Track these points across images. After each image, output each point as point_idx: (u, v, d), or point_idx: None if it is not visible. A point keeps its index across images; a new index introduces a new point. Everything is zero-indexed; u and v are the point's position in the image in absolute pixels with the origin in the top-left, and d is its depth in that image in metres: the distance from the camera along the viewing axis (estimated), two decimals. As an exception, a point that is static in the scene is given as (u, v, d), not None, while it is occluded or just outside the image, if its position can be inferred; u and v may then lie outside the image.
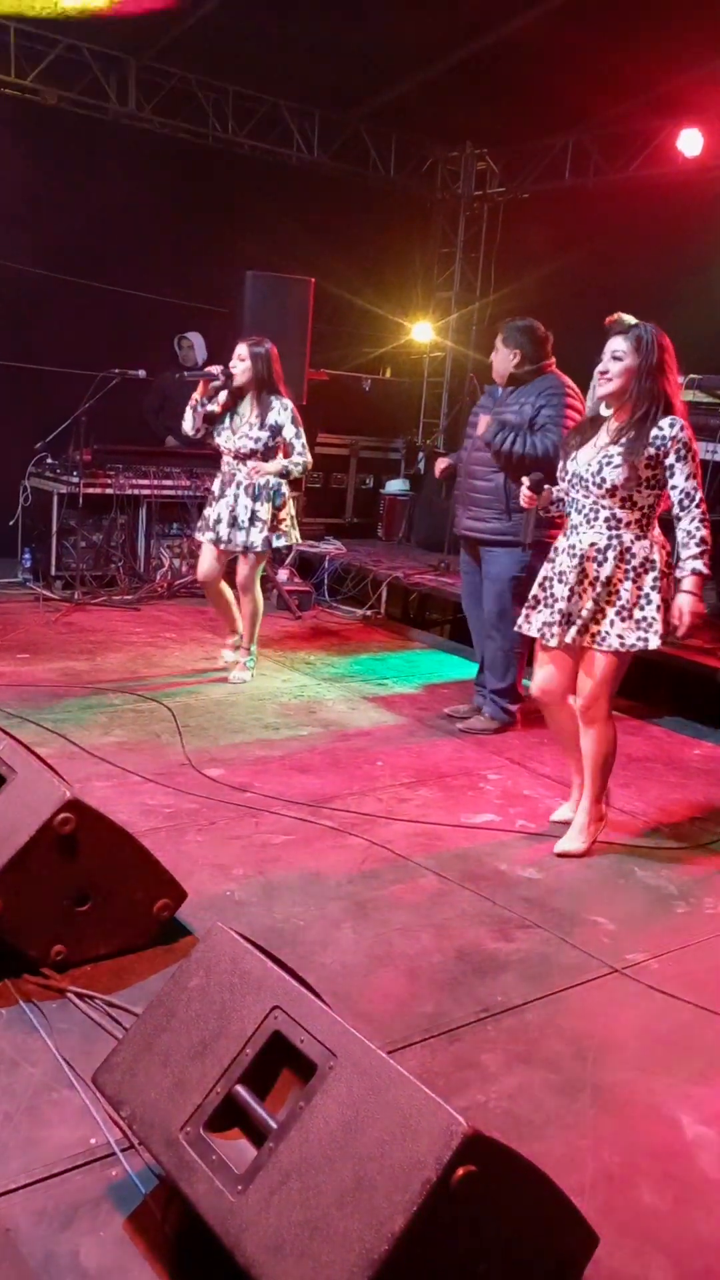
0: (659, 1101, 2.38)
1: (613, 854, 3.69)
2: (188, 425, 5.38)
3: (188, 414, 5.35)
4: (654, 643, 3.40)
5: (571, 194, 9.04)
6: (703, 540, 3.33)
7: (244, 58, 7.82)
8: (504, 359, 4.72)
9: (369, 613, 7.31)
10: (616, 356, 3.36)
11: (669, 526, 3.45)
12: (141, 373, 6.91)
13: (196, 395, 5.32)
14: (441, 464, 5.13)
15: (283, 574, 7.58)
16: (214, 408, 5.29)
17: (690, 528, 3.34)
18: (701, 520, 3.33)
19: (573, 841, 3.65)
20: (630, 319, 3.39)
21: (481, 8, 6.87)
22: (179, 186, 8.25)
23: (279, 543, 5.41)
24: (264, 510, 5.28)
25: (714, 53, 6.70)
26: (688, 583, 3.37)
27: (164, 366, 7.77)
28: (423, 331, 10.06)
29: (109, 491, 7.23)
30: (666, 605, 3.41)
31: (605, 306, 3.43)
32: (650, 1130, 2.28)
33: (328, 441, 9.18)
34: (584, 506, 3.46)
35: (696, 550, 3.34)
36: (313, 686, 5.52)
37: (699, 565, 3.34)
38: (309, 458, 5.39)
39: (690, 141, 7.82)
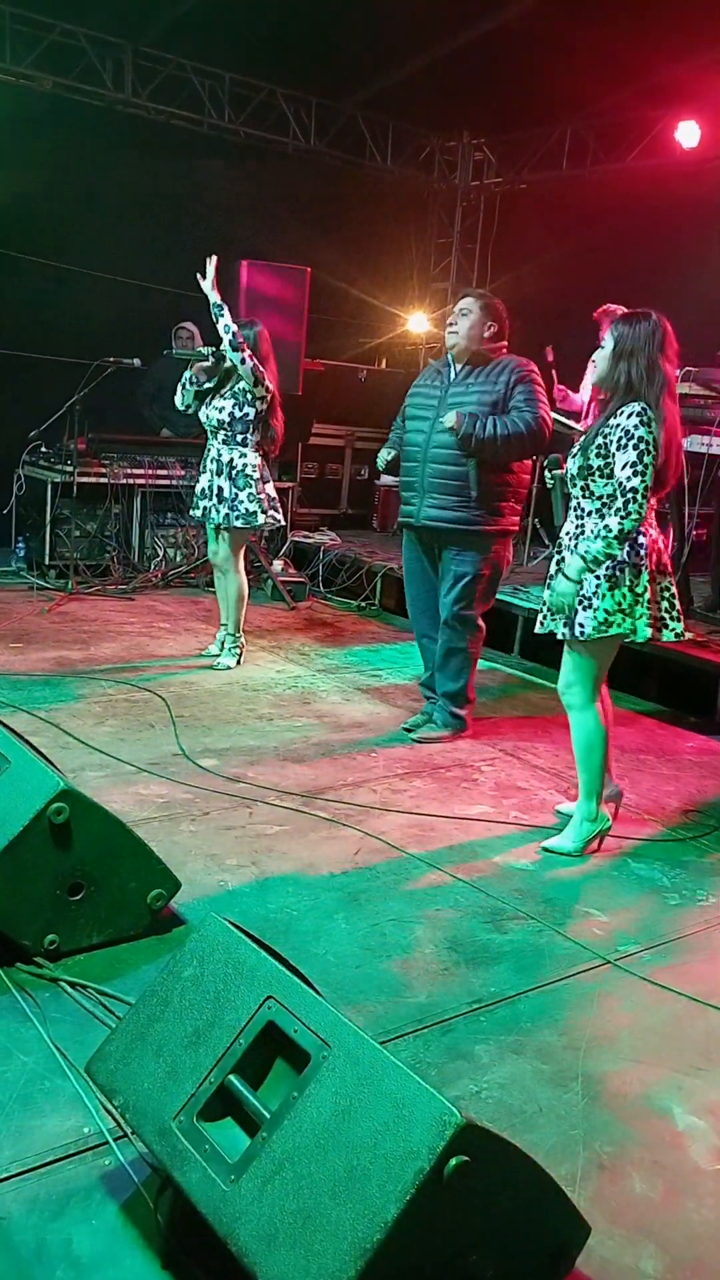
0: (651, 1092, 2.39)
1: (606, 846, 3.69)
2: (180, 401, 5.47)
3: (180, 391, 5.43)
4: (613, 632, 3.35)
5: (569, 184, 9.02)
6: (607, 530, 3.22)
7: (240, 44, 7.78)
8: (477, 328, 4.34)
9: (363, 604, 7.30)
10: (602, 345, 3.43)
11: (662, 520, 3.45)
12: (136, 362, 6.88)
13: (189, 374, 5.37)
14: (387, 457, 4.71)
15: (277, 565, 7.58)
16: (208, 385, 5.38)
17: (609, 520, 3.24)
18: (623, 516, 3.21)
19: (561, 840, 3.62)
20: (619, 309, 3.42)
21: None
22: (174, 173, 8.22)
23: (254, 521, 5.40)
24: (230, 488, 5.32)
25: (712, 43, 6.68)
26: (568, 563, 3.32)
27: (159, 356, 7.74)
28: (418, 322, 10.04)
29: (103, 481, 7.21)
30: (638, 598, 3.36)
31: (602, 297, 3.45)
32: (642, 1121, 2.29)
33: (323, 432, 9.16)
34: (570, 496, 3.52)
35: (595, 535, 3.25)
36: (307, 677, 5.52)
37: (589, 547, 3.25)
38: (248, 363, 5.19)
39: (688, 132, 7.81)
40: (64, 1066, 2.27)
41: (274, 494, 5.47)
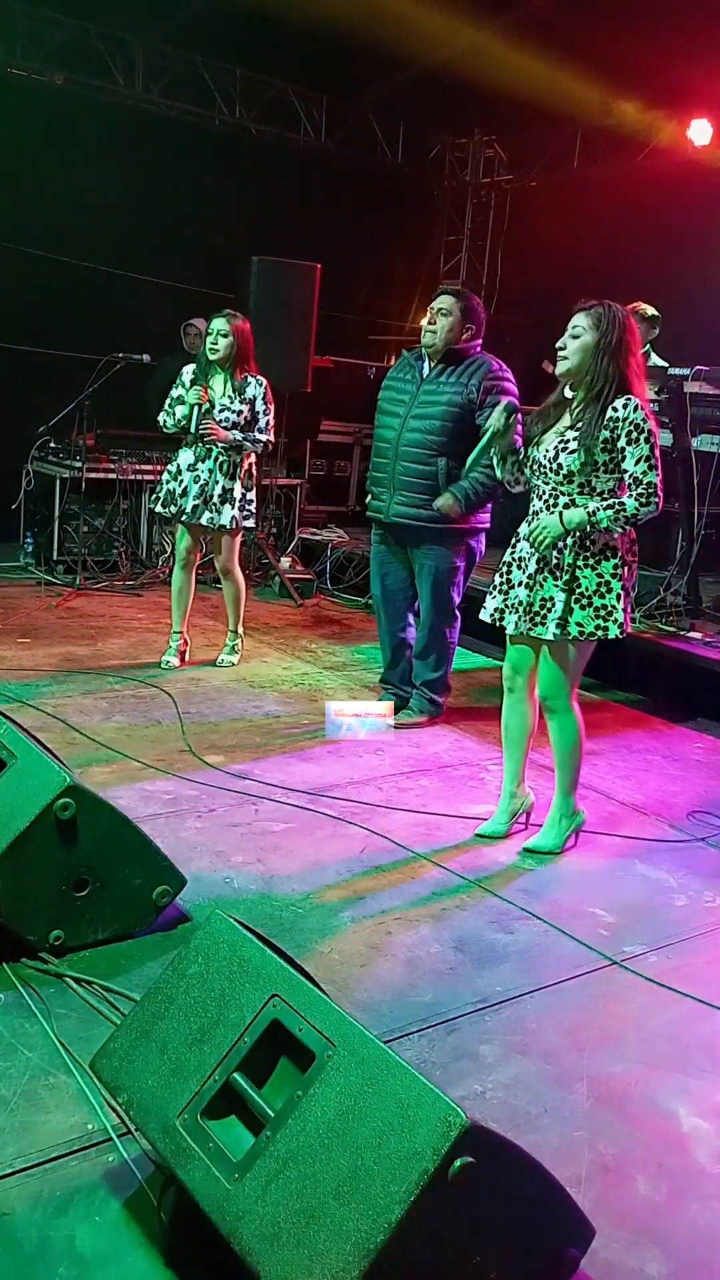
0: (655, 1094, 2.38)
1: (612, 846, 3.68)
2: (167, 420, 5.34)
3: (177, 412, 5.26)
4: (614, 631, 3.30)
5: (580, 182, 9.00)
6: (622, 506, 3.19)
7: (251, 41, 7.77)
8: (455, 330, 4.40)
9: (370, 601, 7.29)
10: (574, 334, 3.27)
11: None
12: (146, 358, 6.88)
13: (188, 410, 5.20)
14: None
15: (285, 561, 7.57)
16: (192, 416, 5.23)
17: (626, 499, 3.22)
18: (643, 503, 3.19)
19: (543, 838, 3.59)
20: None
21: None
22: (185, 169, 8.22)
23: (248, 523, 5.39)
24: (237, 489, 5.26)
25: (725, 41, 6.66)
26: (571, 512, 3.25)
27: (168, 352, 7.74)
28: (428, 319, 10.02)
29: (112, 476, 7.21)
30: (627, 593, 3.36)
31: (611, 296, 3.40)
32: (646, 1122, 2.29)
33: (331, 429, 9.14)
34: (544, 493, 3.37)
35: (606, 505, 3.21)
36: (314, 674, 5.51)
37: (601, 511, 3.20)
38: (270, 438, 5.32)
39: (700, 131, 7.78)
40: (68, 1062, 2.27)
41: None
